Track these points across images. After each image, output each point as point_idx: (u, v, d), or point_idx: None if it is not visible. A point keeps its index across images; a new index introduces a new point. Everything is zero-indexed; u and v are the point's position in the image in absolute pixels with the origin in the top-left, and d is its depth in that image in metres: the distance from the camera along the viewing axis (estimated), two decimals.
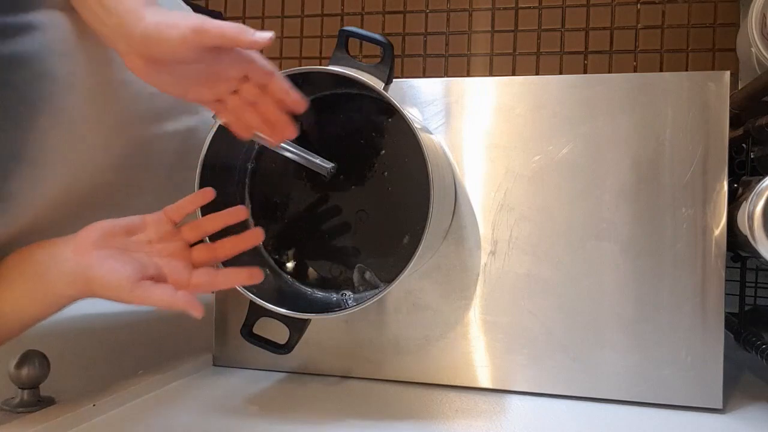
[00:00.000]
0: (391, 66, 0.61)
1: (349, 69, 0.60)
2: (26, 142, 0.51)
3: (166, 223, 0.57)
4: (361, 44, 0.60)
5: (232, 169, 0.68)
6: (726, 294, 0.64)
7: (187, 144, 0.69)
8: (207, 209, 0.62)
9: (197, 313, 0.50)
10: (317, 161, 0.65)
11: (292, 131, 0.56)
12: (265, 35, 0.49)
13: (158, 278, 0.53)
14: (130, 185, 0.65)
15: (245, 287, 0.61)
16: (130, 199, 0.67)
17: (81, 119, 0.55)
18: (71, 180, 0.56)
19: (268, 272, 0.69)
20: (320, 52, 1.53)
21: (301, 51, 1.54)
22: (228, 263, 0.60)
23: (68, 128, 0.54)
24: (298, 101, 0.55)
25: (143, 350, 0.86)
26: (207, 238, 0.60)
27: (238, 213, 0.59)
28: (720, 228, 0.63)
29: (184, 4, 0.75)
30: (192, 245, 0.58)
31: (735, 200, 0.65)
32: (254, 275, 0.57)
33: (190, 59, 0.49)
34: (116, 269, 0.51)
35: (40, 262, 0.52)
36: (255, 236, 0.60)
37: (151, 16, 0.48)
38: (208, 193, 0.59)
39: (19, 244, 0.53)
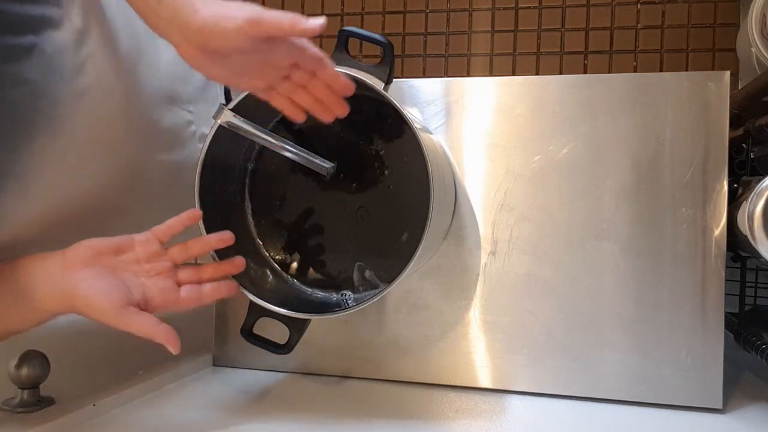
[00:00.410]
0: (391, 66, 0.61)
1: (349, 69, 0.60)
2: (19, 159, 0.51)
3: (154, 243, 0.57)
4: (361, 44, 0.60)
5: (232, 169, 0.68)
6: (726, 294, 0.64)
7: (176, 174, 0.70)
8: (208, 211, 0.62)
9: (174, 349, 0.52)
10: (317, 161, 0.64)
11: (345, 109, 0.58)
12: (318, 21, 0.50)
13: (143, 303, 0.54)
14: (118, 209, 0.66)
15: (245, 287, 0.61)
16: (117, 222, 0.67)
17: (77, 144, 0.55)
18: (60, 200, 0.57)
19: (268, 272, 0.69)
20: None
21: None
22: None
23: (63, 151, 0.54)
24: (347, 85, 0.56)
25: (143, 350, 0.86)
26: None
27: (225, 238, 0.60)
28: (720, 228, 0.63)
29: None
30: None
31: (735, 200, 0.65)
32: (232, 289, 0.60)
33: (245, 49, 0.50)
34: (103, 291, 0.51)
35: (28, 275, 0.52)
36: (236, 265, 0.61)
37: (206, 7, 0.49)
38: (195, 215, 0.60)
39: (4, 259, 0.53)
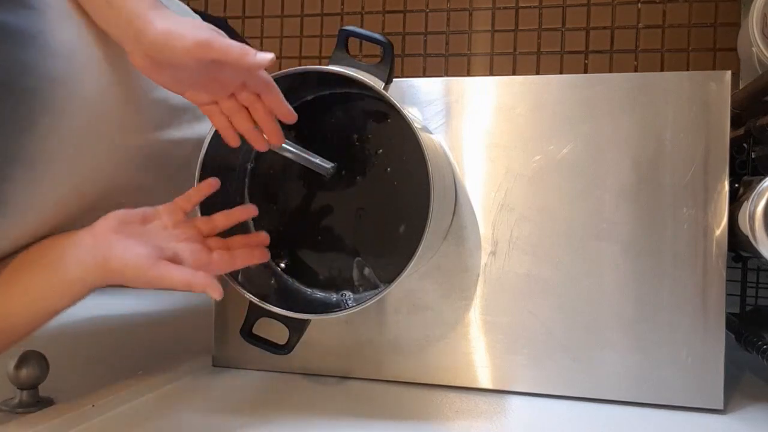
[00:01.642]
0: (391, 66, 0.61)
1: (349, 69, 0.60)
2: (24, 145, 0.50)
3: (179, 212, 0.58)
4: (361, 44, 0.60)
5: (232, 169, 0.68)
6: (727, 294, 0.63)
7: (196, 151, 0.69)
8: (207, 211, 0.62)
9: (216, 294, 0.50)
10: (317, 161, 0.64)
11: (281, 140, 0.59)
12: (267, 56, 0.50)
13: (176, 261, 0.54)
14: (136, 190, 0.65)
15: (245, 287, 0.61)
16: (137, 205, 0.66)
17: (82, 124, 0.54)
18: (73, 184, 0.56)
19: (269, 273, 0.69)
20: (320, 52, 1.53)
21: (300, 50, 1.54)
22: None
23: (69, 133, 0.53)
24: (290, 113, 0.58)
25: (143, 351, 0.86)
26: None
27: (249, 211, 0.62)
28: (721, 228, 0.63)
29: (188, 8, 0.75)
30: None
31: (736, 200, 0.65)
32: (264, 256, 0.61)
33: (194, 66, 0.51)
34: (135, 248, 0.52)
35: (60, 249, 0.52)
36: (262, 239, 0.62)
37: (160, 22, 0.50)
38: (214, 183, 0.61)
39: (21, 250, 0.53)
